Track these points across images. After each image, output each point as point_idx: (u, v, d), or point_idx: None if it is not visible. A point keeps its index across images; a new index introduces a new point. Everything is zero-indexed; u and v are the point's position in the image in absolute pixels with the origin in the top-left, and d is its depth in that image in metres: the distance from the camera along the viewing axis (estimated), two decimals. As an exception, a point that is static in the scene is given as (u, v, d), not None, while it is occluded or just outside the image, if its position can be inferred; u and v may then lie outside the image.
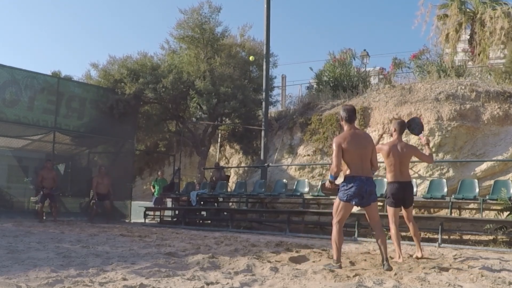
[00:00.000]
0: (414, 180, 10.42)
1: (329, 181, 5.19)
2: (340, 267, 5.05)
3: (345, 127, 5.24)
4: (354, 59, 15.67)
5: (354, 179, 5.04)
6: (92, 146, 16.79)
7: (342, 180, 5.17)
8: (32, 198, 14.83)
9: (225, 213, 13.18)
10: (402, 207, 6.14)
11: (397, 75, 14.57)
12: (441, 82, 12.23)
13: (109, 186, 13.66)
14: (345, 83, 14.76)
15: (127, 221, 14.85)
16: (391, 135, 6.24)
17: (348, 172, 5.10)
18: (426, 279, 4.36)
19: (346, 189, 5.05)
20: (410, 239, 9.39)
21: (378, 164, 5.55)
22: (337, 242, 5.11)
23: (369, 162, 5.20)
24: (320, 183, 10.92)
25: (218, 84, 14.29)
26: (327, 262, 5.54)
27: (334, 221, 5.19)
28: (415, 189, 10.09)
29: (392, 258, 5.72)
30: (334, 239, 5.15)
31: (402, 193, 6.02)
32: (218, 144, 17.10)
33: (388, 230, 6.20)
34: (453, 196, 9.34)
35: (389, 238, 6.14)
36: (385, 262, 5.04)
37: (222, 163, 16.05)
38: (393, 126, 6.26)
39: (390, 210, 6.07)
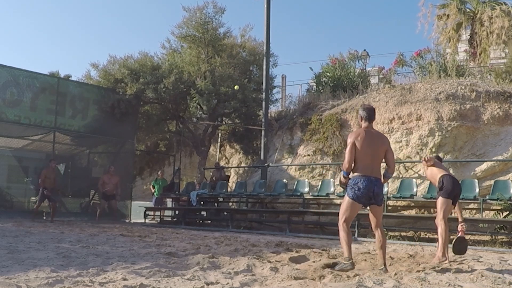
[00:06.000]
0: (414, 180, 10.44)
1: (343, 177, 5.06)
2: (353, 264, 4.86)
3: (363, 125, 5.09)
4: (358, 62, 15.61)
5: (363, 179, 4.89)
6: (92, 146, 16.80)
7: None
8: (32, 198, 14.83)
9: (225, 213, 13.18)
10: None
11: (397, 74, 14.54)
12: (441, 82, 12.23)
13: (117, 186, 13.68)
14: (345, 83, 14.75)
15: (127, 221, 14.85)
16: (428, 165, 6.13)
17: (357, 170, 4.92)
18: (426, 279, 4.36)
19: (355, 189, 4.88)
20: (409, 239, 9.41)
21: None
22: (346, 241, 4.91)
23: (380, 163, 5.06)
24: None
25: (219, 84, 14.30)
26: (327, 262, 5.52)
27: (341, 220, 4.97)
28: (415, 189, 10.16)
29: (392, 258, 5.71)
30: (343, 239, 4.95)
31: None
32: (218, 144, 17.10)
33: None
34: (453, 196, 9.31)
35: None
36: (383, 266, 4.89)
37: (222, 163, 16.04)
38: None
39: (445, 204, 5.94)
